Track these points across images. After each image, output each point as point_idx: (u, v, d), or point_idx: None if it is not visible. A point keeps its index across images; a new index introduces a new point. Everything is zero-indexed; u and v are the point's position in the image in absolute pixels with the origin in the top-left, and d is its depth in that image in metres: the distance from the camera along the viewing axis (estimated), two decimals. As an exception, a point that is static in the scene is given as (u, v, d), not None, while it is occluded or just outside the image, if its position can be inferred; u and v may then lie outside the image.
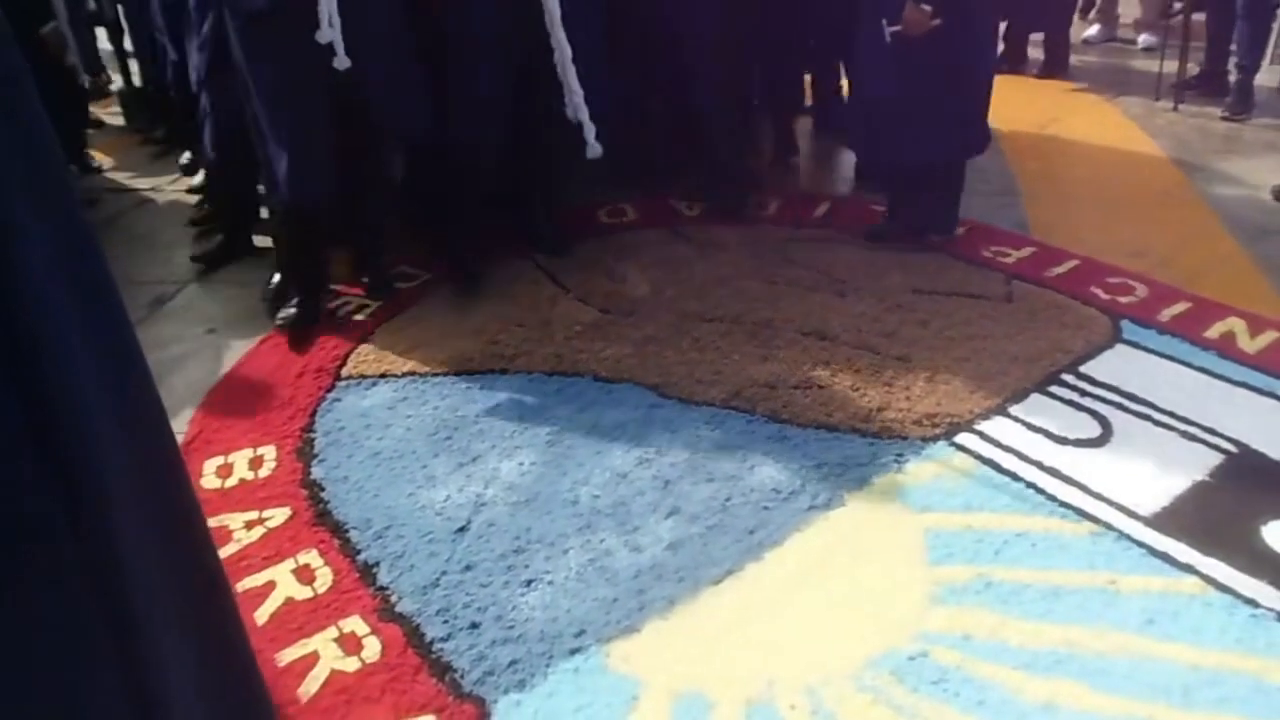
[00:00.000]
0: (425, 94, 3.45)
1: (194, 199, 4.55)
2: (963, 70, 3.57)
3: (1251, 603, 2.26)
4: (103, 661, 1.11)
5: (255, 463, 2.86)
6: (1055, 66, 5.89)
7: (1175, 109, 5.21)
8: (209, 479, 2.80)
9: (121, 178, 4.94)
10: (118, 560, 1.11)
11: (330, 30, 3.02)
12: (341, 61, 3.08)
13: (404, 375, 3.23)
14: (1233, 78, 5.13)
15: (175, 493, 1.24)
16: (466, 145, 3.60)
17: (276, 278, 3.66)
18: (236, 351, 3.41)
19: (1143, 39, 6.37)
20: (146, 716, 1.14)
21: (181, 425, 3.03)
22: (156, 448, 1.21)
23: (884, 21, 3.47)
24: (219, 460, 2.87)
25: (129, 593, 1.12)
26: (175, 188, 4.74)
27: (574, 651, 2.22)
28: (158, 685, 1.15)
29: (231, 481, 2.80)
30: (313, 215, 3.39)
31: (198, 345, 3.48)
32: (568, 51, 3.38)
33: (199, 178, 4.58)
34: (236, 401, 3.16)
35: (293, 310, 3.49)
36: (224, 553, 2.53)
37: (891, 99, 3.59)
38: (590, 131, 3.44)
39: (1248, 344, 3.22)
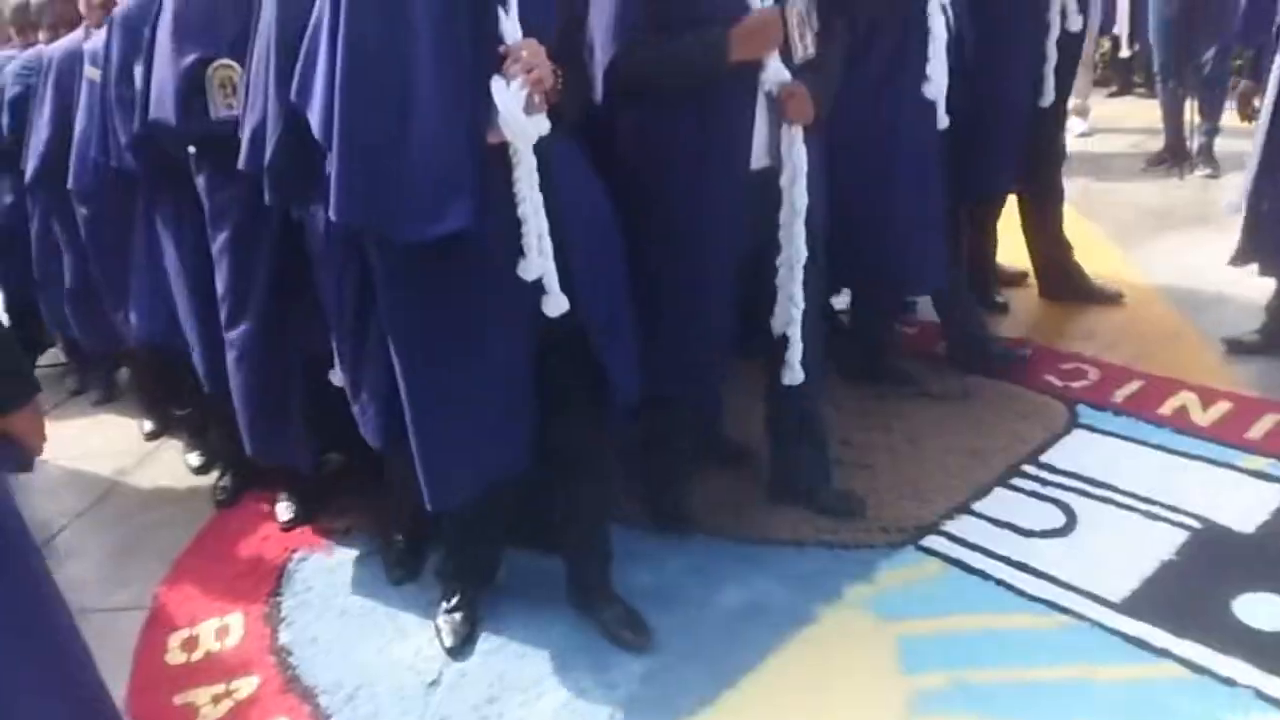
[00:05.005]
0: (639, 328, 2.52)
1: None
2: None
3: (1229, 681, 2.24)
4: None
5: (221, 632, 2.83)
6: None
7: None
8: (174, 654, 2.76)
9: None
10: None
11: (540, 260, 2.21)
12: (558, 304, 2.25)
13: (371, 529, 3.21)
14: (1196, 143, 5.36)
15: None
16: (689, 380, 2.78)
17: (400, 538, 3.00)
18: (198, 518, 3.39)
19: (1076, 124, 6.57)
20: None
21: (146, 600, 3.01)
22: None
23: None
24: (184, 634, 2.84)
25: None
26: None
27: (552, 800, 2.18)
28: None
29: (198, 655, 2.76)
30: (502, 511, 2.67)
31: (159, 515, 3.46)
32: (802, 254, 2.64)
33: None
34: (202, 569, 3.13)
35: (458, 616, 2.70)
36: (191, 732, 2.49)
37: None
38: (797, 353, 2.74)
39: (1201, 416, 3.26)
